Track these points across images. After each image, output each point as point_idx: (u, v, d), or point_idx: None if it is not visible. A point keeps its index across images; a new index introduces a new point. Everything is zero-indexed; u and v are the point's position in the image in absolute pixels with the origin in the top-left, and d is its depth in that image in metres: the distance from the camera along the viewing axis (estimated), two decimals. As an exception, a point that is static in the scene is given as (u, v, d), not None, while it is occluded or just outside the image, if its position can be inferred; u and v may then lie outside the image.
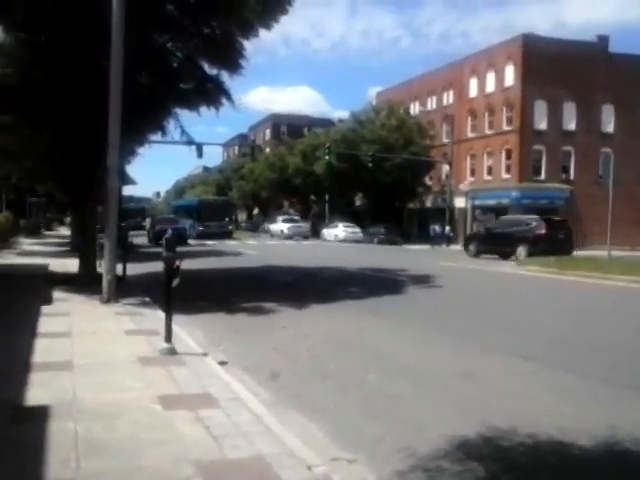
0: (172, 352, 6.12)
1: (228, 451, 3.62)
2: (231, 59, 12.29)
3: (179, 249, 6.65)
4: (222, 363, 6.06)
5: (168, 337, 6.20)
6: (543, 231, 23.74)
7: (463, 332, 8.19)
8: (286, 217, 51.97)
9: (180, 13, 11.81)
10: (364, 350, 6.99)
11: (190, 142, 14.42)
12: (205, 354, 6.28)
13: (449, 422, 4.39)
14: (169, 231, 6.96)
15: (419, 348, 7.18)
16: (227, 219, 47.49)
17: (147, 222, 68.07)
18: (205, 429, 3.98)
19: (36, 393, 4.67)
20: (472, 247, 26.53)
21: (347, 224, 44.75)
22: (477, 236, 28.07)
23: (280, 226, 48.35)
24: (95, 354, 6.04)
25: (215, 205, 48.10)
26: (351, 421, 4.51)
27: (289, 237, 44.81)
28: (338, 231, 43.93)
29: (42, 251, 23.01)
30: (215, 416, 4.27)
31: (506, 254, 23.77)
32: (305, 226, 48.56)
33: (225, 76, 12.65)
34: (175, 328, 7.44)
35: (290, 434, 3.99)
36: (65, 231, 44.94)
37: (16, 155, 20.73)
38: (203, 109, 13.39)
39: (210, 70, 12.82)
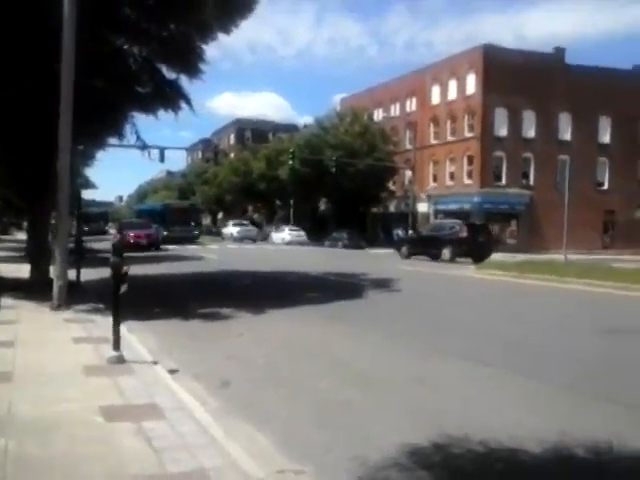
0: (120, 360, 5.91)
1: (169, 465, 3.47)
2: (190, 63, 12.11)
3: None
4: (172, 371, 5.88)
5: (116, 345, 5.99)
6: (465, 234, 25.78)
7: (420, 337, 8.18)
8: (236, 221, 55.79)
9: (137, 15, 11.55)
10: (321, 356, 6.89)
11: (145, 147, 14.10)
12: (155, 362, 6.08)
13: (400, 429, 4.32)
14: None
15: (376, 354, 7.12)
16: (193, 224, 46.34)
17: (111, 226, 66.80)
18: (147, 441, 3.82)
19: (-32, 407, 4.42)
20: (404, 249, 28.40)
21: (292, 227, 48.83)
22: (408, 240, 30.46)
23: (230, 229, 52.93)
24: (38, 364, 5.78)
25: (181, 209, 46.63)
26: (301, 430, 4.40)
27: (239, 240, 48.14)
28: (284, 234, 47.47)
29: (-5, 257, 22.21)
30: (159, 427, 4.11)
31: (434, 255, 26.00)
32: (253, 230, 52.69)
33: (185, 80, 12.48)
34: (127, 335, 7.26)
35: (236, 445, 3.85)
36: (22, 236, 43.62)
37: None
38: (162, 113, 13.17)
39: (169, 74, 12.59)
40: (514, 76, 39.20)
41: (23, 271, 12.59)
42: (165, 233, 41.04)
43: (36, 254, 12.04)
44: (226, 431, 4.11)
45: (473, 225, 27.90)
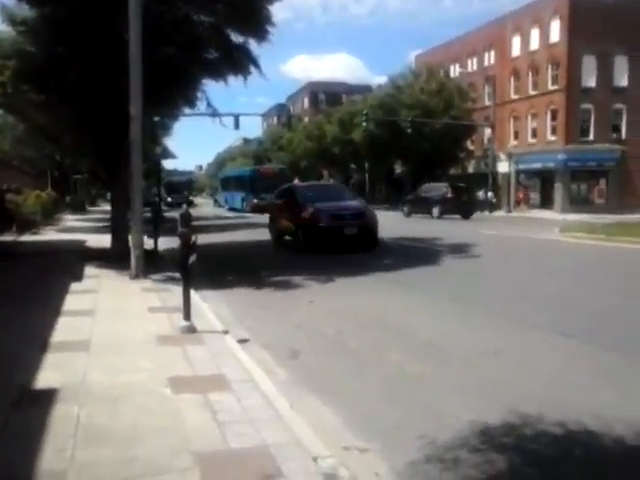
0: (191, 330, 5.99)
1: (231, 440, 3.43)
2: (257, 25, 11.96)
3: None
4: (242, 341, 5.89)
5: (187, 315, 6.06)
6: (450, 195, 30.11)
7: (497, 307, 7.77)
8: None
9: (202, -21, 11.47)
10: (390, 326, 6.70)
11: (216, 114, 14.15)
12: (226, 331, 6.12)
13: (473, 407, 4.08)
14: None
15: (448, 324, 6.82)
16: None
17: (196, 195, 66.45)
18: (211, 415, 3.80)
19: (48, 375, 4.59)
20: (405, 208, 32.94)
21: None
22: (409, 200, 33.58)
23: None
24: (114, 333, 5.96)
25: (271, 174, 41.14)
26: (368, 405, 4.26)
27: None
28: None
29: (83, 227, 23.43)
30: (225, 400, 4.09)
31: (428, 213, 30.42)
32: None
33: (253, 45, 12.35)
34: (200, 304, 7.40)
35: (301, 420, 3.78)
36: (108, 207, 45.77)
37: (55, 133, 21.09)
38: (233, 79, 13.15)
39: (236, 38, 12.50)
40: (604, 19, 36.07)
41: (106, 241, 13.10)
42: (255, 201, 38.14)
43: (116, 224, 12.47)
44: (292, 405, 4.03)
45: (457, 187, 32.20)
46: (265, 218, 18.35)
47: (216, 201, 63.28)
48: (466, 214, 29.67)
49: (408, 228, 21.87)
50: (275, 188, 38.71)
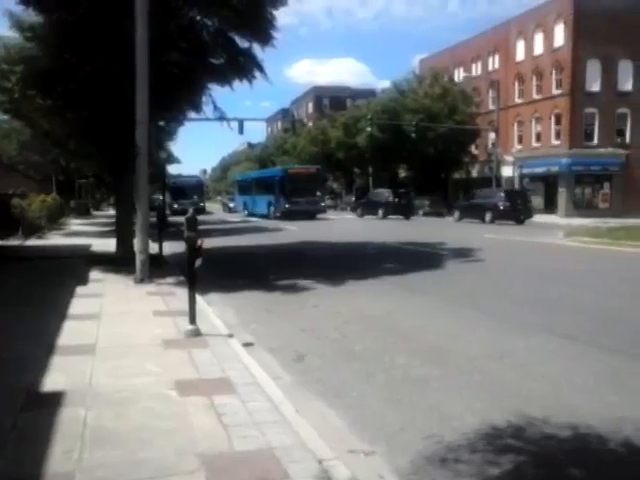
0: (196, 333, 6.01)
1: (237, 442, 3.45)
2: (262, 30, 12.02)
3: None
4: (247, 344, 5.91)
5: (192, 318, 6.09)
6: (503, 202, 30.35)
7: (501, 310, 7.79)
8: None
9: (207, -16, 11.55)
10: (395, 329, 6.71)
11: (222, 118, 14.20)
12: (231, 335, 6.14)
13: (478, 410, 4.10)
14: None
15: (452, 327, 6.84)
16: (319, 193, 37.36)
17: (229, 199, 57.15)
18: (217, 417, 3.82)
19: (54, 378, 4.62)
20: (456, 214, 33.47)
21: None
22: (461, 206, 34.45)
23: None
24: (119, 337, 5.98)
25: (305, 176, 37.19)
26: (374, 408, 4.28)
27: None
28: None
29: (88, 231, 23.51)
30: (230, 403, 4.11)
31: (481, 219, 30.61)
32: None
33: (258, 50, 12.41)
34: (205, 307, 7.42)
35: (306, 423, 3.79)
36: (113, 211, 45.63)
37: (60, 138, 21.22)
38: (238, 84, 13.20)
39: (241, 43, 12.57)
40: (608, 22, 35.96)
41: (110, 245, 13.16)
42: (287, 206, 34.93)
43: (121, 229, 12.52)
44: (297, 408, 4.05)
45: (512, 192, 33.33)
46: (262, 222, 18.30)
47: (225, 206, 60.10)
48: (520, 220, 29.68)
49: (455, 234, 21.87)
50: (311, 191, 35.89)
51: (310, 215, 34.63)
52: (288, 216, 33.57)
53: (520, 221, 29.48)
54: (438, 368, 5.13)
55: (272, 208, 37.16)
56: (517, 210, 30.14)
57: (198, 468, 3.11)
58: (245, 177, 51.63)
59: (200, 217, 10.20)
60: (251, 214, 42.02)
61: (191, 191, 47.50)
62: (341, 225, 30.17)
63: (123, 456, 3.25)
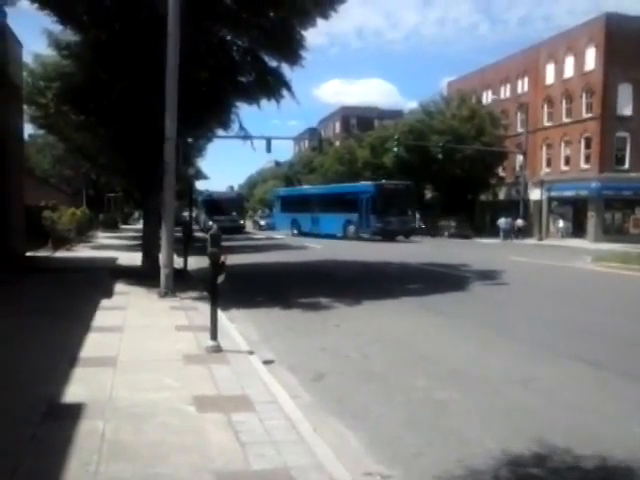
0: (217, 350, 6.02)
1: (253, 461, 3.42)
2: (291, 50, 12.16)
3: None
4: (267, 362, 5.90)
5: (214, 334, 6.10)
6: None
7: (526, 334, 7.63)
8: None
9: (238, 6, 11.76)
10: (416, 351, 6.63)
11: (248, 136, 14.37)
12: (251, 352, 6.13)
13: (499, 436, 4.00)
14: None
15: (475, 350, 6.73)
16: (409, 212, 34.99)
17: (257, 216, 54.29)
18: (235, 435, 3.80)
19: (75, 390, 4.66)
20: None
21: None
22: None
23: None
24: (141, 350, 6.03)
25: (397, 192, 34.23)
26: (392, 430, 4.21)
27: None
28: None
29: (116, 244, 23.87)
30: (248, 421, 4.09)
31: None
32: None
33: (286, 69, 12.56)
34: (227, 324, 7.43)
35: (323, 443, 3.75)
36: (140, 225, 46.20)
37: (91, 152, 21.75)
38: (266, 103, 13.34)
39: (270, 62, 12.74)
40: (640, 46, 35.71)
41: (137, 259, 13.32)
42: (379, 225, 32.56)
43: (148, 243, 12.68)
44: (315, 428, 4.01)
45: None
46: (288, 239, 18.26)
47: (256, 224, 56.99)
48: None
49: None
50: (402, 209, 33.32)
51: (405, 234, 32.86)
52: (381, 234, 31.76)
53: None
54: (459, 391, 5.04)
55: (352, 227, 34.63)
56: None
57: (212, 486, 3.09)
58: (294, 192, 48.19)
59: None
60: (306, 234, 38.28)
61: (229, 206, 41.94)
62: (363, 244, 30.09)
63: (138, 471, 3.24)
